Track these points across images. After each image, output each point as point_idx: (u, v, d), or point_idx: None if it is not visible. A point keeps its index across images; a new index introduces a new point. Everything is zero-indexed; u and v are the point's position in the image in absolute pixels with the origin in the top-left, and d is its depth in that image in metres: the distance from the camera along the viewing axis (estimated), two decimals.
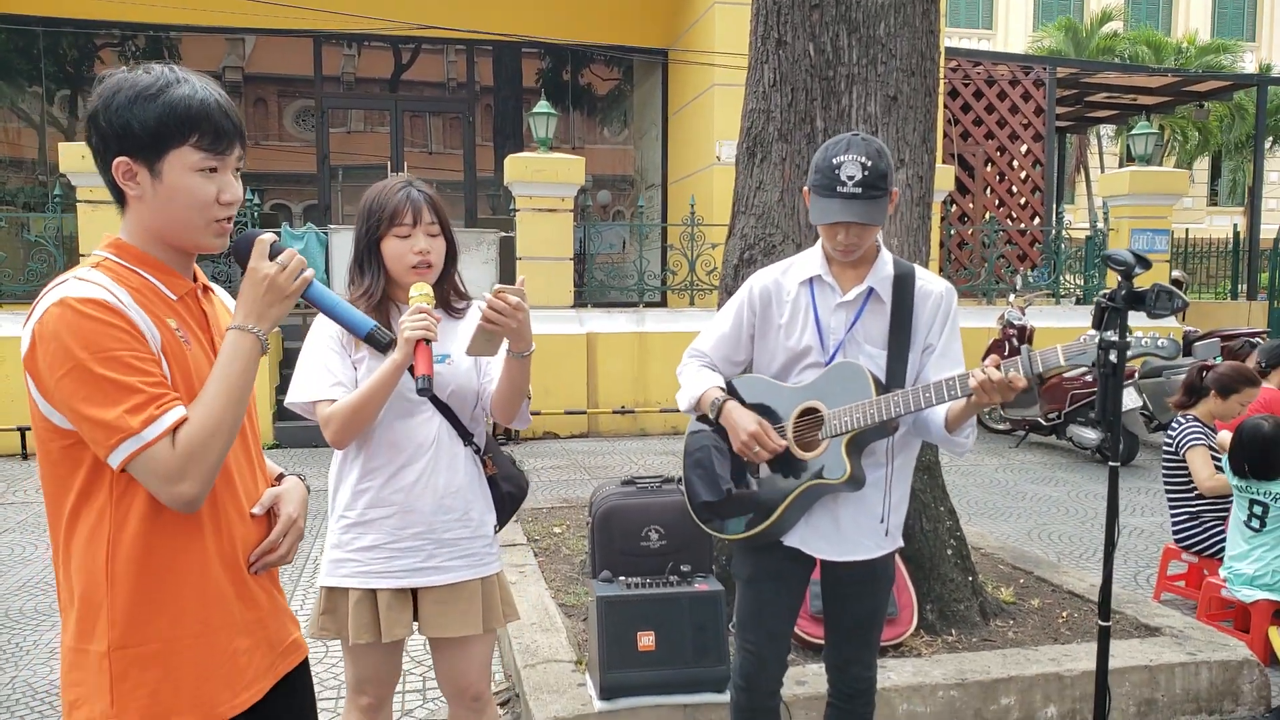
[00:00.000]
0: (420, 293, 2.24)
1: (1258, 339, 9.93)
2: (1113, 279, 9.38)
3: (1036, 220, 13.13)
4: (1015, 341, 9.12)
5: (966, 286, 11.15)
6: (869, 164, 2.27)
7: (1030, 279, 11.76)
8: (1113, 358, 2.01)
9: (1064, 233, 11.86)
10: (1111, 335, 2.04)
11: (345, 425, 2.24)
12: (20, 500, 7.05)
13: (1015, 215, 13.31)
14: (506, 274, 9.97)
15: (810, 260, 2.48)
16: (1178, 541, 4.80)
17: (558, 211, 9.70)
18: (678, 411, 2.64)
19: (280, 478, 1.83)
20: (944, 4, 12.99)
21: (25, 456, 8.57)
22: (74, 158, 8.82)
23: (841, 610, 2.54)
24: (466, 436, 2.41)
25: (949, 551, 4.03)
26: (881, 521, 2.44)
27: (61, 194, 9.16)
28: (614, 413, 9.65)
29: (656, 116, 13.84)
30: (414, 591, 2.36)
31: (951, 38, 28.82)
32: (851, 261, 2.41)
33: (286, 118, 13.93)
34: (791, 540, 2.45)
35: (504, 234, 10.00)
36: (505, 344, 2.24)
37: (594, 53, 13.80)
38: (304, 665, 1.84)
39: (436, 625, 2.36)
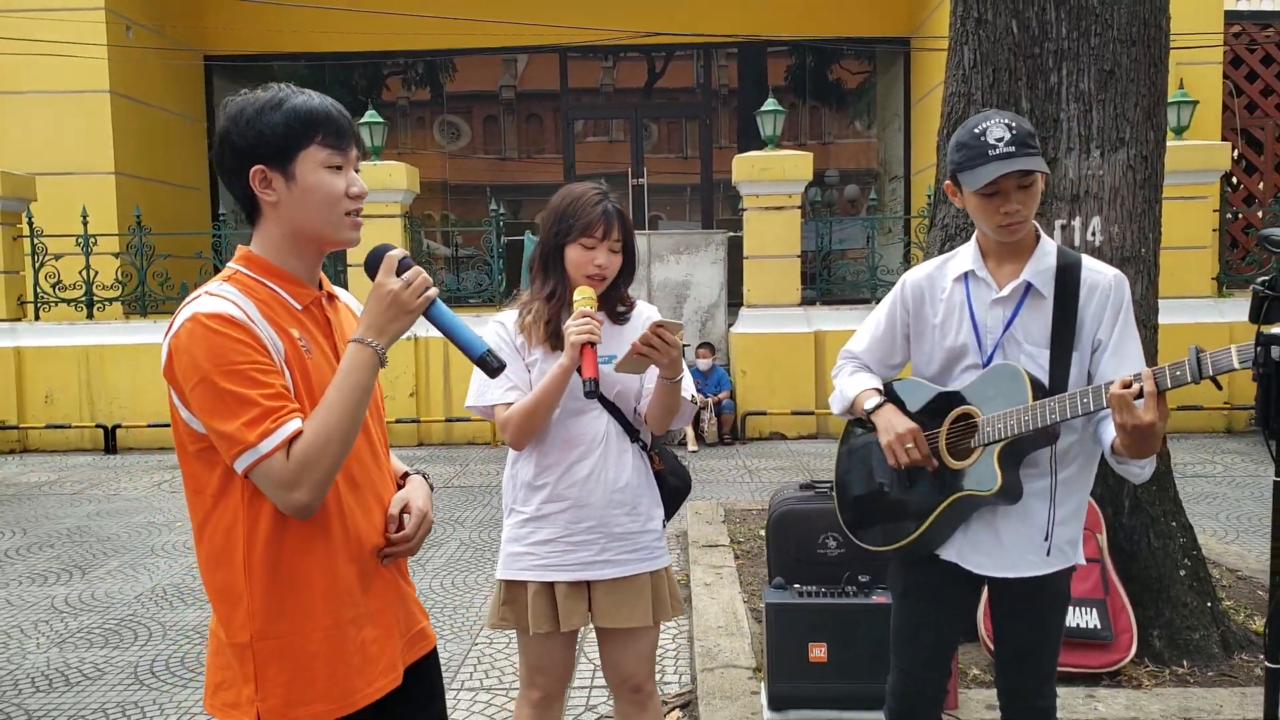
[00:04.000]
0: (583, 297, 2.32)
1: None
2: None
3: None
4: None
5: (1250, 275, 9.89)
6: (1013, 124, 2.11)
7: None
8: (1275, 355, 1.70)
9: None
10: (1273, 330, 1.74)
11: (521, 428, 2.36)
12: None
13: None
14: (734, 273, 10.00)
15: (965, 254, 2.30)
16: None
17: (785, 209, 9.59)
18: None
19: (405, 476, 1.91)
20: None
21: None
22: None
23: (1007, 632, 2.34)
24: (633, 433, 2.47)
25: (1181, 572, 3.60)
26: (1045, 539, 2.22)
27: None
28: None
29: (899, 107, 13.39)
30: (588, 584, 2.43)
31: (1238, 1, 25.72)
32: (1010, 250, 2.22)
33: (554, 131, 14.67)
34: (948, 554, 2.29)
35: (732, 234, 10.02)
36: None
37: (835, 46, 13.53)
38: (433, 654, 1.91)
39: (609, 616, 2.42)
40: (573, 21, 11.85)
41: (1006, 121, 2.11)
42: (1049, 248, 2.23)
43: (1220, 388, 1.90)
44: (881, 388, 2.39)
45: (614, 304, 2.51)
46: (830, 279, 10.23)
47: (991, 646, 3.37)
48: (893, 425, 2.24)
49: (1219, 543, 4.96)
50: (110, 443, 9.69)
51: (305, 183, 1.62)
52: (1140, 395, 1.88)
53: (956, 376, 2.30)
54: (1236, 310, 9.24)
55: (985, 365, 2.23)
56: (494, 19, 11.78)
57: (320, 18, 12.53)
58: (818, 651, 3.08)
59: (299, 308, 1.69)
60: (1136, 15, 3.55)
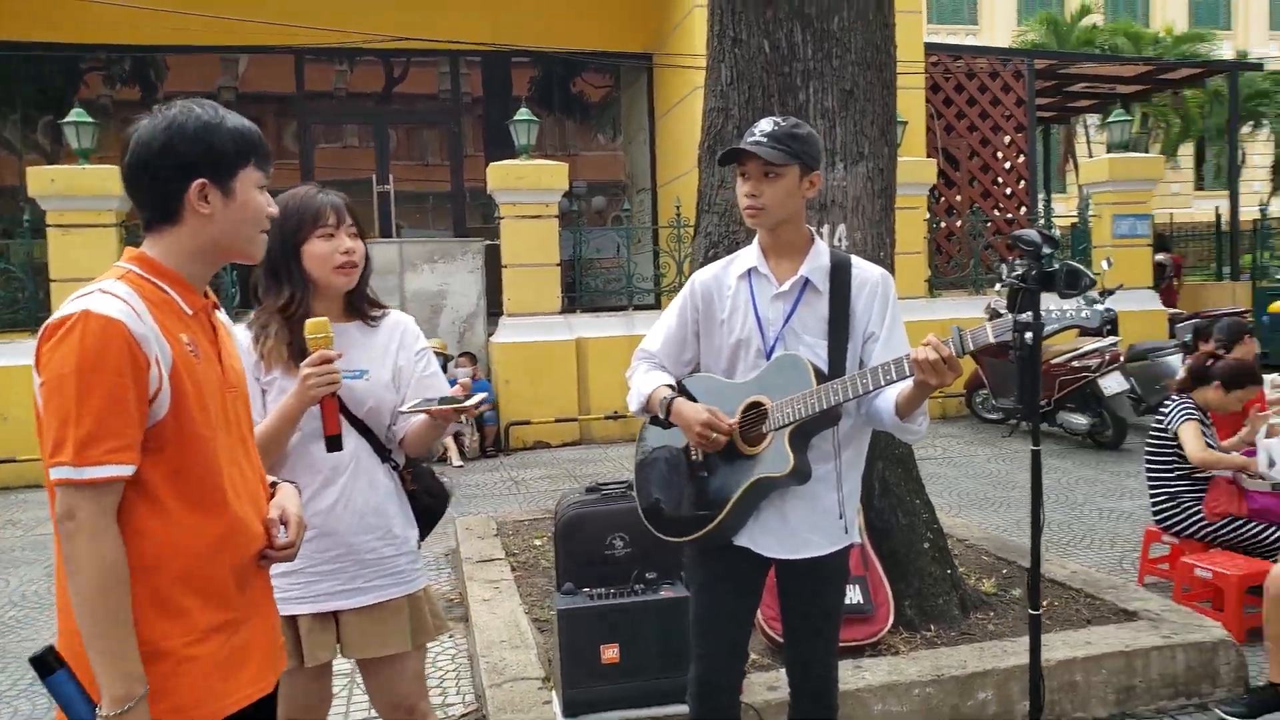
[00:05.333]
0: (319, 334, 2.11)
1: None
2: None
3: (1023, 210, 13.08)
4: None
5: (955, 278, 11.09)
6: (781, 122, 2.30)
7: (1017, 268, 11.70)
8: (1029, 338, 2.03)
9: (1052, 222, 11.82)
10: (1025, 317, 2.03)
11: None
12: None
13: (1002, 206, 13.27)
14: (493, 281, 9.96)
15: (748, 254, 2.46)
16: (1158, 523, 4.79)
17: (542, 218, 9.67)
18: None
19: (274, 484, 1.90)
20: (924, 1, 12.90)
21: None
22: (44, 182, 8.75)
23: (796, 609, 2.50)
24: (384, 453, 2.35)
25: (925, 545, 3.98)
26: (840, 517, 2.40)
27: (31, 219, 9.06)
28: (606, 418, 9.61)
29: (644, 121, 13.82)
30: (336, 614, 2.30)
31: (937, 33, 28.86)
32: (787, 249, 2.39)
33: (285, 136, 13.91)
34: (741, 540, 2.41)
35: (489, 242, 9.98)
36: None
37: (580, 60, 13.79)
38: None
39: (360, 646, 2.30)
40: (308, 22, 11.32)
41: (779, 120, 2.30)
42: (822, 248, 2.42)
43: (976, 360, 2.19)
44: (674, 384, 2.49)
45: (363, 304, 2.38)
46: (587, 287, 10.42)
47: (768, 632, 3.57)
48: (691, 416, 2.33)
49: (948, 516, 5.51)
50: None
51: (243, 200, 1.70)
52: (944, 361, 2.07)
53: (743, 369, 2.43)
54: (946, 309, 10.32)
55: (768, 356, 2.38)
56: (230, 16, 11.00)
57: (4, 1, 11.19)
58: (610, 653, 3.13)
59: (189, 313, 1.70)
60: (870, 41, 3.90)
